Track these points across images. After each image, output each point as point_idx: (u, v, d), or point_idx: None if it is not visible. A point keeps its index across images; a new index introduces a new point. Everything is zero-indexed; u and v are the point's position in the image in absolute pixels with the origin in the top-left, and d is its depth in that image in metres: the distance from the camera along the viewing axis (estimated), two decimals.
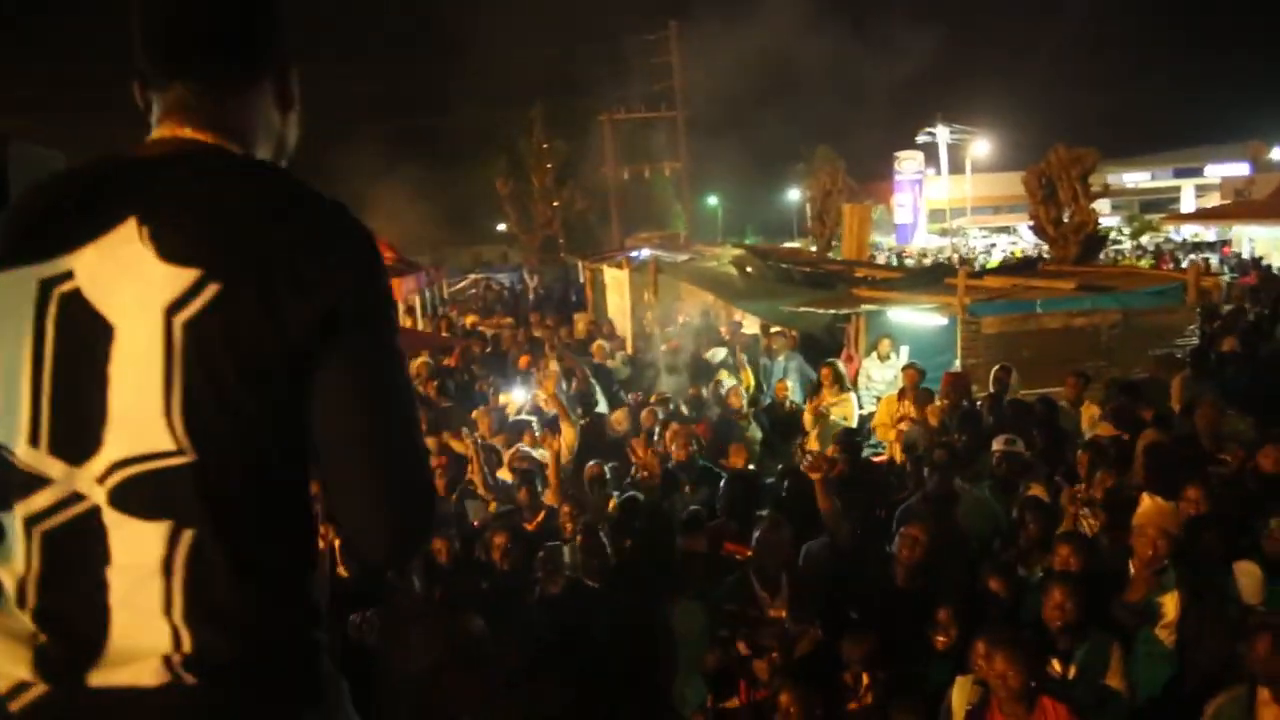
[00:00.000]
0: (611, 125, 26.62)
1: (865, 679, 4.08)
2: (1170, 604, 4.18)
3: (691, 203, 31.69)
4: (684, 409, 8.99)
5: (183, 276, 1.23)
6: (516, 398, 9.01)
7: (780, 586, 4.59)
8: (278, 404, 1.27)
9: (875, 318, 10.26)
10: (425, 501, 1.37)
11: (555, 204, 28.27)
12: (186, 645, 1.24)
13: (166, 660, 1.24)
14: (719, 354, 11.72)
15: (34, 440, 1.26)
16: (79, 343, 1.25)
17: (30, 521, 1.26)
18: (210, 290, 1.22)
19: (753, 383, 10.41)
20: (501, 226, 33.50)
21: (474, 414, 8.79)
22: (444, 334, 15.49)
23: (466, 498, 7.08)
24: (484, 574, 5.68)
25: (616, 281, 14.65)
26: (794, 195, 33.63)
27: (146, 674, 1.23)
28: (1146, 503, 4.97)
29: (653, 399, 9.13)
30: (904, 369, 8.45)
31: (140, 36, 1.36)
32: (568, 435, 7.62)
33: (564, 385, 9.20)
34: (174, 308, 1.22)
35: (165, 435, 1.23)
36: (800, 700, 3.82)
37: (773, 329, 11.01)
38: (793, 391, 9.84)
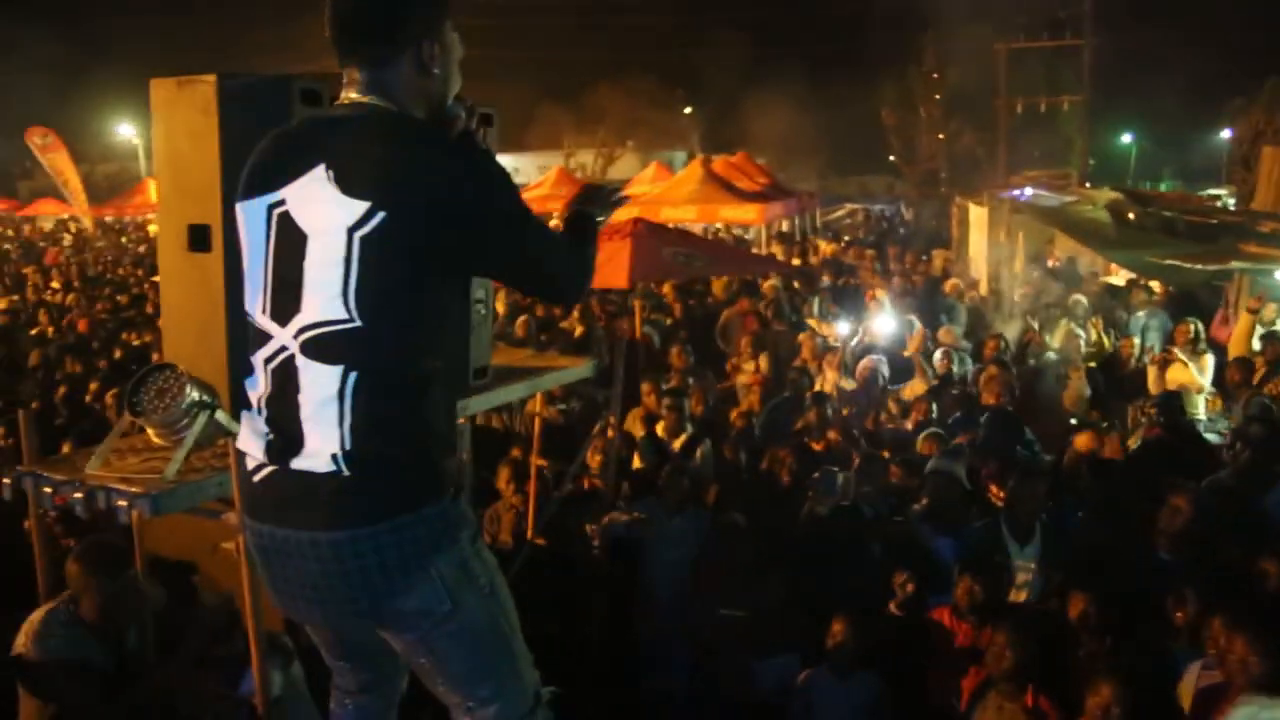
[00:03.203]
0: (1008, 54, 24.92)
1: (1099, 642, 3.98)
2: None
3: (1097, 140, 28.92)
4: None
5: (359, 206, 1.85)
6: (840, 330, 9.19)
7: (1032, 537, 4.55)
8: (422, 291, 1.89)
9: (1264, 278, 9.11)
10: (567, 280, 2.16)
11: (940, 136, 27.25)
12: (349, 446, 1.88)
13: (333, 457, 1.89)
14: (1079, 303, 11.03)
15: (264, 309, 1.96)
16: (288, 246, 1.92)
17: (266, 361, 1.96)
18: (379, 216, 1.84)
19: (1102, 337, 9.75)
20: (892, 158, 32.86)
21: (800, 337, 9.16)
22: (797, 261, 15.84)
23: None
24: (766, 486, 6.11)
25: (979, 219, 14.08)
26: (1226, 136, 29.39)
27: (322, 463, 1.89)
28: None
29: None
30: (1263, 338, 7.53)
31: (327, 33, 2.02)
32: (916, 385, 7.75)
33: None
34: (355, 227, 1.84)
35: (340, 308, 1.87)
36: (1015, 642, 3.81)
37: (1137, 282, 10.16)
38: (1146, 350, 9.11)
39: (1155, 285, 10.97)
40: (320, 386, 1.89)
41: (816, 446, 6.31)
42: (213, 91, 3.11)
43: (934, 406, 7.02)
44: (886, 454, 5.98)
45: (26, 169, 35.86)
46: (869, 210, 28.39)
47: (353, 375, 1.88)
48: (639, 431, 6.53)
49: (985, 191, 15.14)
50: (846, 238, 21.57)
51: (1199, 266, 9.22)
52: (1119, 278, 12.16)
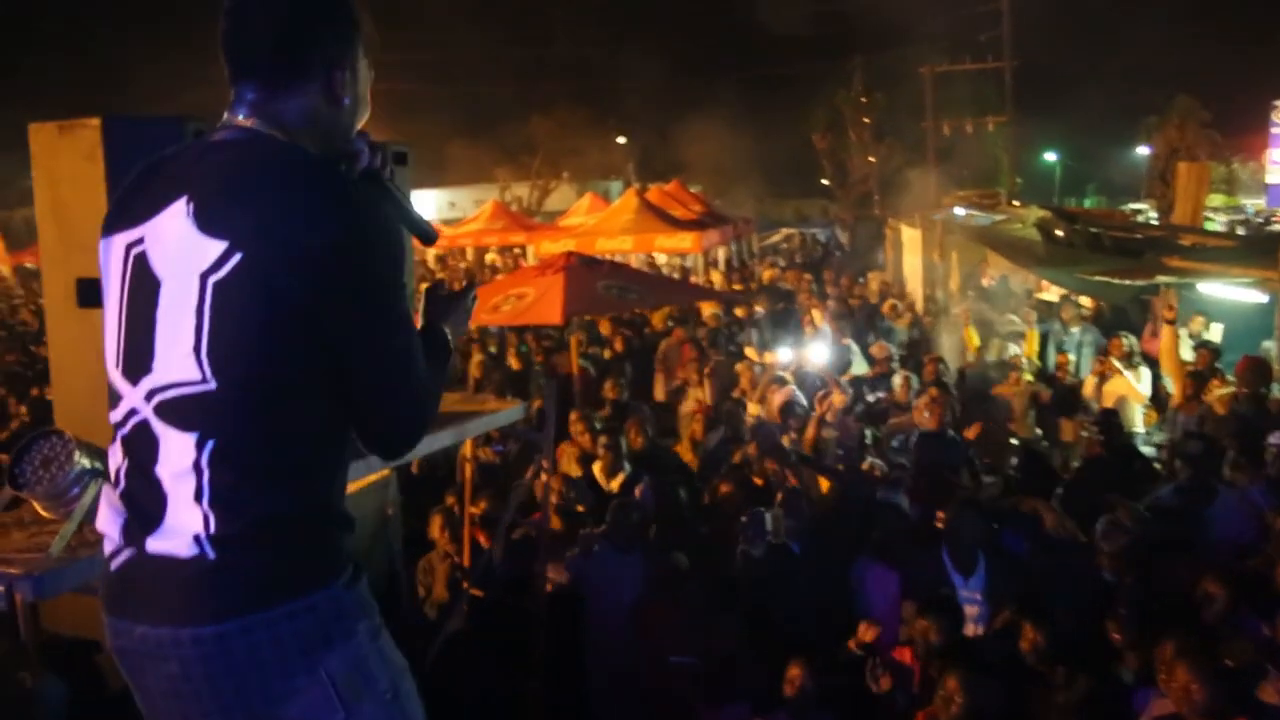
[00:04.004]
0: (933, 78, 25.39)
1: (1051, 674, 3.90)
2: None
3: (1023, 159, 29.58)
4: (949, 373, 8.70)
5: (214, 247, 1.60)
6: (781, 356, 9.12)
7: (976, 567, 4.46)
8: (286, 348, 1.62)
9: (1189, 292, 9.25)
10: (405, 428, 1.78)
11: (871, 159, 27.62)
12: (213, 526, 1.62)
13: (196, 537, 1.62)
14: (1013, 322, 11.17)
15: (116, 364, 1.72)
16: (140, 293, 1.67)
17: (116, 426, 1.72)
18: (235, 259, 1.58)
19: (1035, 353, 9.85)
20: (825, 181, 33.26)
21: (737, 366, 9.06)
22: (738, 287, 15.85)
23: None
24: (706, 518, 5.98)
25: (912, 241, 14.21)
26: (1144, 152, 30.30)
27: (182, 546, 1.63)
28: None
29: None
30: (1196, 349, 7.62)
31: (220, 42, 1.76)
32: (836, 400, 7.68)
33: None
34: (208, 271, 1.59)
35: (194, 367, 1.61)
36: (965, 686, 3.69)
37: (1066, 299, 10.29)
38: (1081, 367, 9.20)
39: (1085, 301, 11.13)
40: (176, 457, 1.63)
41: (757, 481, 6.18)
42: (97, 136, 2.94)
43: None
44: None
45: None
46: (805, 234, 28.62)
47: (209, 444, 1.61)
48: (575, 471, 6.36)
49: (918, 213, 15.28)
50: (783, 263, 21.68)
51: (1127, 281, 9.34)
52: (1051, 294, 12.32)
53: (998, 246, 11.54)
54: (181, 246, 1.62)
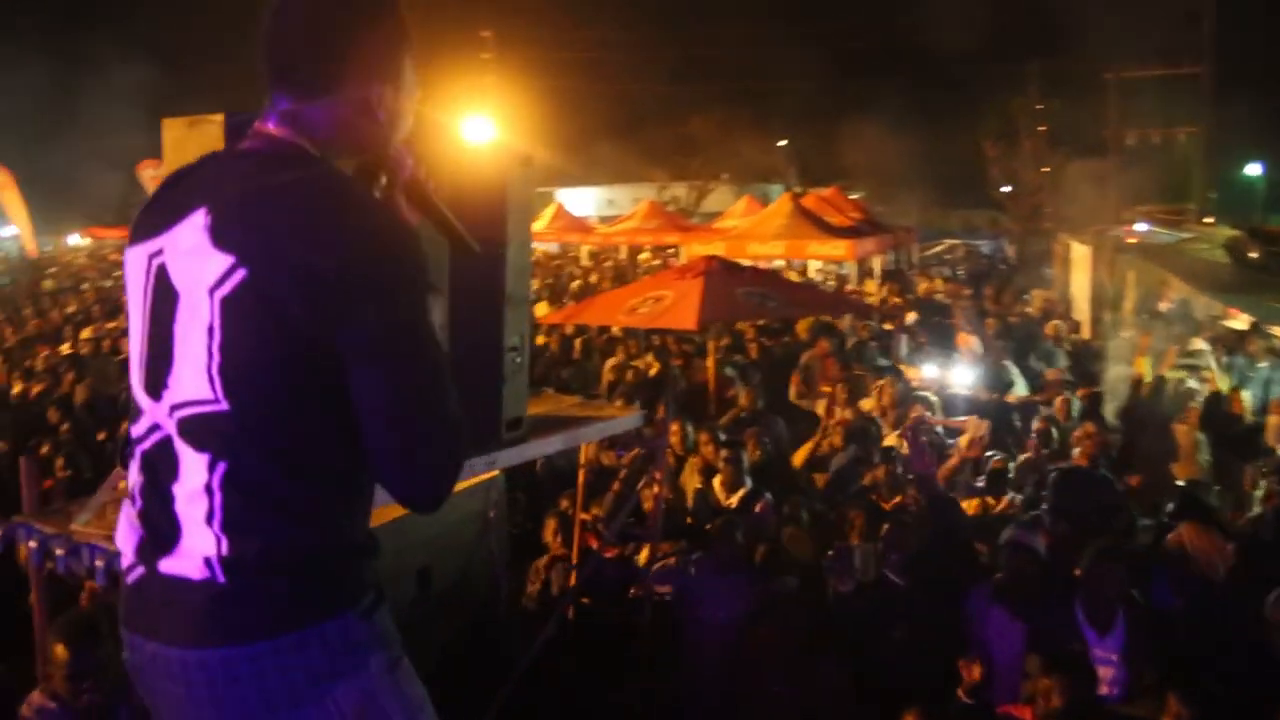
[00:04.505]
0: (1118, 83, 23.79)
1: None
2: None
3: (1218, 173, 27.41)
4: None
5: (222, 261, 1.53)
6: (926, 372, 8.69)
7: (1114, 625, 4.03)
8: (294, 372, 1.54)
9: None
10: (431, 479, 1.61)
11: (1045, 169, 26.18)
12: (224, 550, 1.56)
13: (207, 560, 1.57)
14: (1199, 351, 10.25)
15: (139, 379, 1.67)
16: (162, 305, 1.62)
17: (136, 442, 1.67)
18: (239, 275, 1.51)
19: (1219, 387, 9.02)
20: (1006, 189, 31.87)
21: (879, 382, 8.67)
22: (894, 299, 15.28)
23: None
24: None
25: (1081, 258, 13.34)
26: None
27: (194, 568, 1.58)
28: None
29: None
30: None
31: (259, 50, 1.69)
32: (977, 427, 7.24)
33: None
34: (215, 286, 1.53)
35: (206, 386, 1.56)
36: None
37: (1255, 329, 9.39)
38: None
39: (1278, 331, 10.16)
40: (191, 477, 1.58)
41: (885, 506, 5.86)
42: (220, 130, 3.03)
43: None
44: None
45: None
46: (969, 246, 27.46)
47: (221, 466, 1.56)
48: (696, 483, 6.19)
49: (1090, 229, 14.35)
50: (946, 274, 20.83)
51: None
52: (1240, 321, 11.32)
53: (1175, 268, 10.67)
54: (194, 259, 1.57)
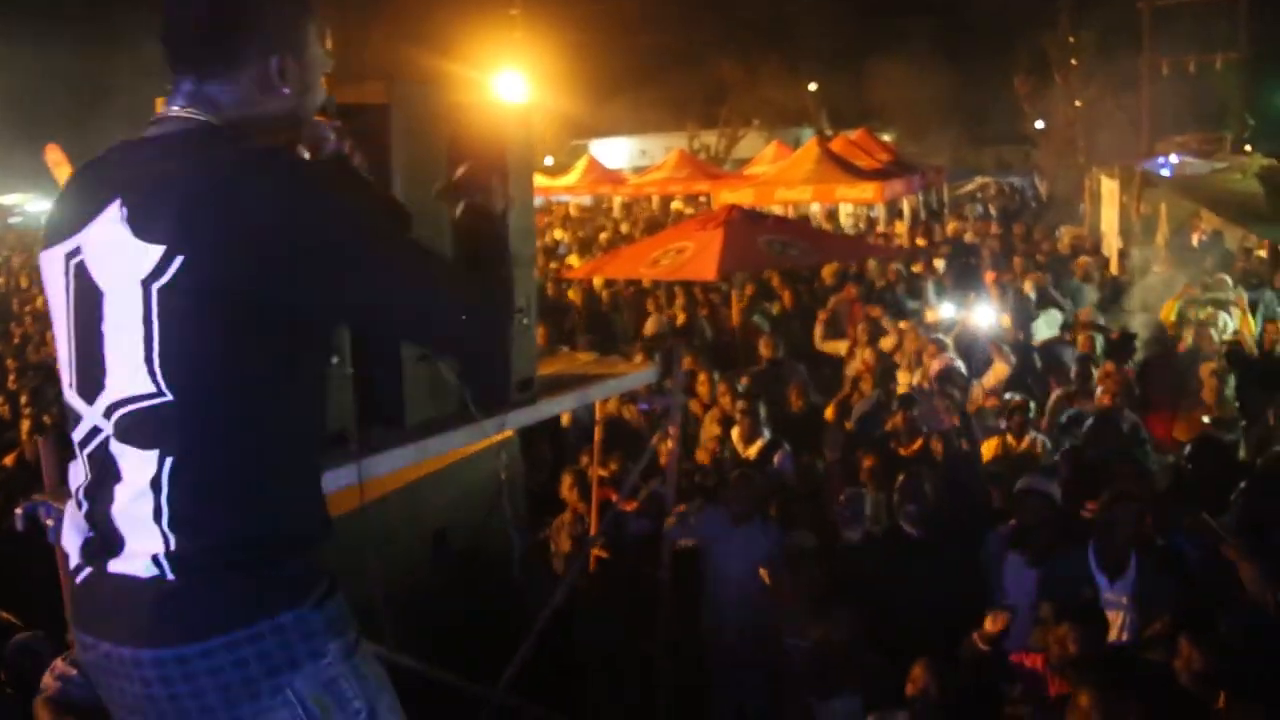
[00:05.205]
0: (1152, 11, 23.01)
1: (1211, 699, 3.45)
2: None
3: (1258, 101, 26.53)
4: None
5: (152, 251, 1.50)
6: (944, 313, 8.60)
7: (1126, 570, 4.03)
8: (243, 351, 1.55)
9: None
10: (476, 333, 1.71)
11: (1078, 104, 25.51)
12: (173, 546, 1.56)
13: (155, 558, 1.57)
14: (1223, 282, 10.05)
15: (70, 383, 1.66)
16: (86, 305, 1.60)
17: (80, 445, 1.67)
18: (177, 261, 1.49)
19: (1253, 326, 8.86)
20: (1039, 124, 31.11)
21: (901, 324, 8.61)
22: (920, 241, 15.11)
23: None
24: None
25: (1110, 192, 13.06)
26: None
27: (141, 566, 1.58)
28: None
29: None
30: None
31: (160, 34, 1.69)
32: (998, 369, 7.21)
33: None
34: (150, 278, 1.51)
35: (146, 380, 1.54)
36: (1102, 705, 3.31)
37: None
38: None
39: None
40: (136, 475, 1.56)
41: (904, 452, 5.87)
42: None
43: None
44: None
45: None
46: (1001, 183, 26.94)
47: (169, 461, 1.54)
48: (715, 432, 6.23)
49: (1119, 163, 14.03)
50: (978, 212, 20.47)
51: None
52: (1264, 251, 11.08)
53: (1206, 200, 10.42)
54: (119, 253, 1.54)
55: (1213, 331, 7.83)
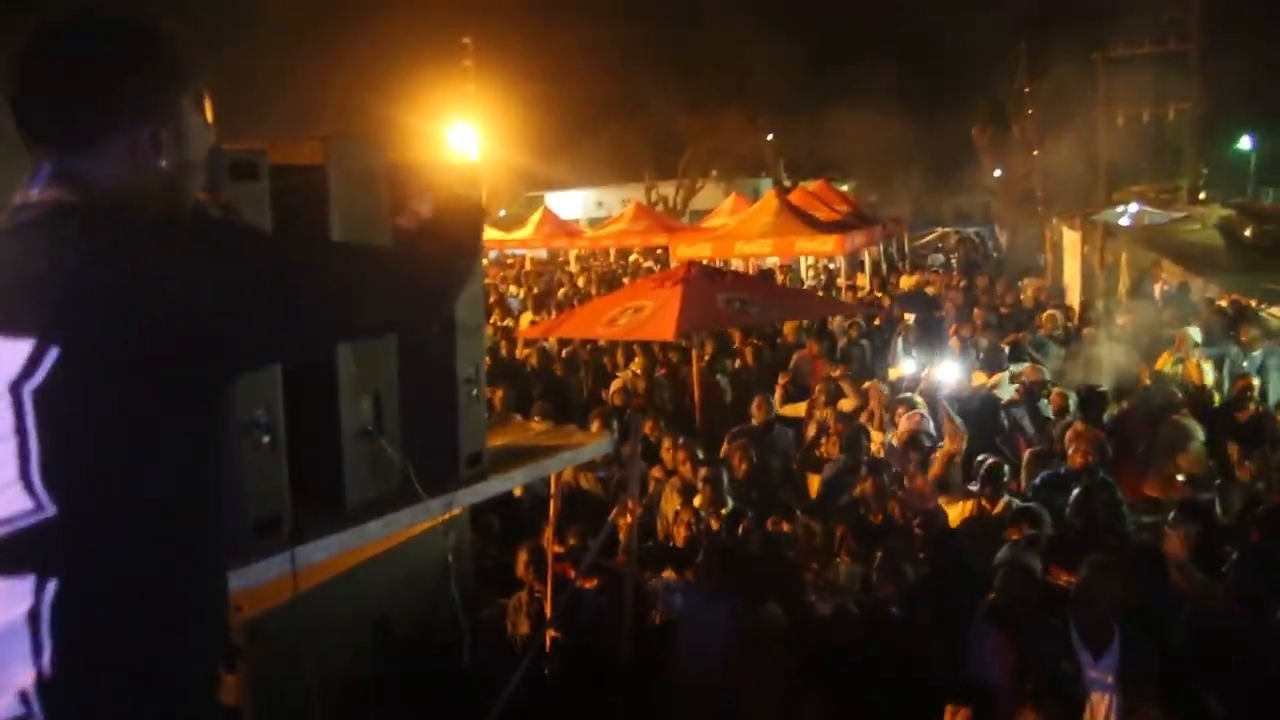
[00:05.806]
0: (1106, 64, 23.49)
1: None
2: None
3: (1211, 148, 27.10)
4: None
5: (20, 349, 1.32)
6: (906, 370, 8.47)
7: (1109, 646, 3.82)
8: (136, 437, 1.37)
9: None
10: (411, 299, 1.63)
11: (1035, 153, 25.90)
12: (46, 678, 1.34)
13: (22, 696, 1.35)
14: (1187, 337, 10.02)
15: None
16: None
17: None
18: (50, 356, 1.31)
19: (1208, 377, 8.80)
20: (997, 173, 31.58)
21: (866, 385, 8.44)
22: (878, 294, 15.08)
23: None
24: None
25: (1071, 244, 13.11)
26: None
27: (6, 705, 1.35)
28: None
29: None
30: None
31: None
32: (949, 443, 6.99)
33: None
34: (20, 379, 1.32)
35: (22, 496, 1.34)
36: None
37: (1245, 314, 9.18)
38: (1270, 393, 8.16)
39: (1277, 312, 9.92)
40: (7, 607, 1.36)
41: (875, 519, 5.65)
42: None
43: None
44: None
45: None
46: (961, 233, 27.23)
47: (50, 586, 1.35)
48: (675, 504, 5.98)
49: (1079, 212, 14.12)
50: (940, 261, 20.58)
51: None
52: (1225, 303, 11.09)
53: (1168, 251, 10.45)
54: None
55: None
